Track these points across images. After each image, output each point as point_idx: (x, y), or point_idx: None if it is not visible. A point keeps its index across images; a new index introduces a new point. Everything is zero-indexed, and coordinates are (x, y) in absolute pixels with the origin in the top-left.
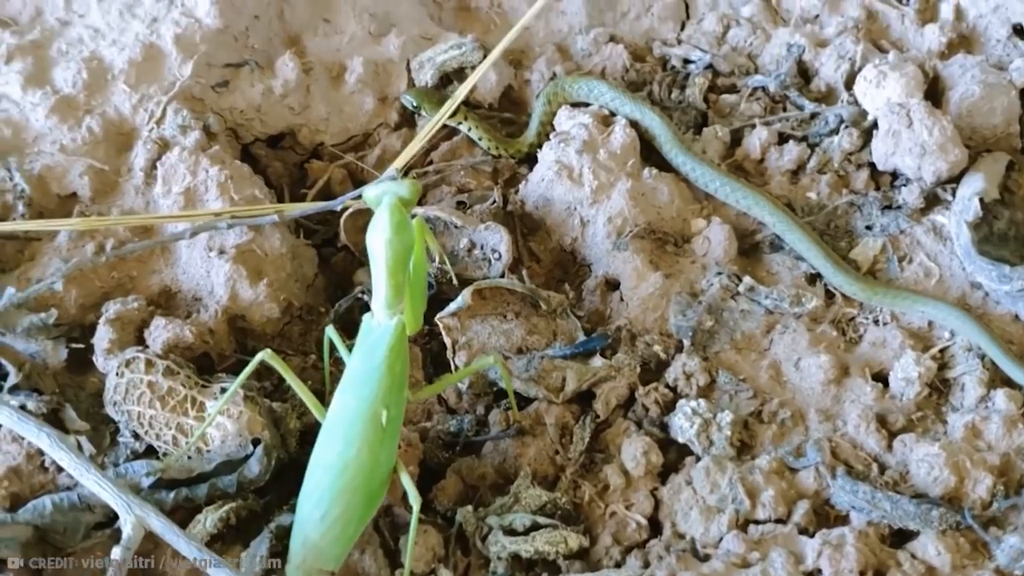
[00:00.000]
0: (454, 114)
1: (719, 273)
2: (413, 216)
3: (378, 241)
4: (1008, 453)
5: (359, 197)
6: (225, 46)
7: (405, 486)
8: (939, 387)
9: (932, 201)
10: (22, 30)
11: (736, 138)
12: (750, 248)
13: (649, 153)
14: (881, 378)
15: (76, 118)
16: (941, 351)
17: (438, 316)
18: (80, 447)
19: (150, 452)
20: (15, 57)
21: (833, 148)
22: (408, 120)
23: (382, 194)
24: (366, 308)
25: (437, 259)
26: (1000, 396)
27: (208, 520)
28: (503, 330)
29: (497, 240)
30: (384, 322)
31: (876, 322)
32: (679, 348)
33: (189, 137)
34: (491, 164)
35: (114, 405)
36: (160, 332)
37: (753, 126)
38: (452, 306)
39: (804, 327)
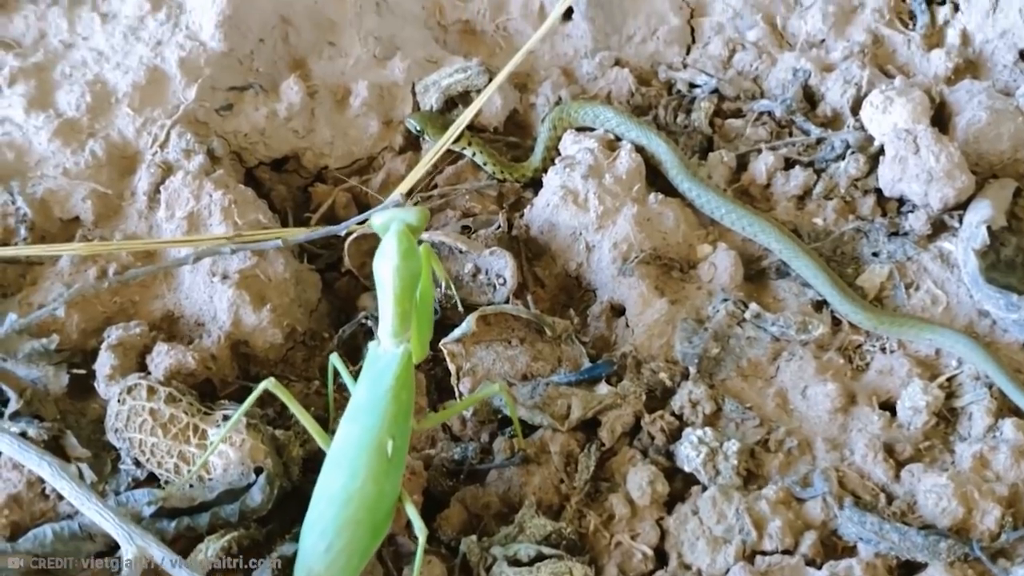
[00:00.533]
0: (458, 139)
1: (725, 299)
2: (420, 243)
3: (385, 268)
4: (1016, 484)
5: (364, 222)
6: (229, 69)
7: (411, 517)
8: (947, 416)
9: (939, 228)
10: (25, 52)
11: (742, 163)
12: (756, 274)
13: (655, 178)
14: (888, 407)
15: (79, 141)
16: (949, 380)
17: (442, 342)
18: (81, 475)
19: (151, 480)
20: (18, 80)
21: (839, 174)
22: (413, 144)
23: (390, 221)
24: (370, 333)
25: (444, 286)
26: (1008, 426)
27: (210, 549)
28: (508, 356)
29: (502, 265)
30: (390, 350)
31: (883, 350)
32: (685, 375)
33: (193, 161)
34: (496, 188)
35: (116, 432)
36: (162, 358)
37: (759, 151)
38: (457, 332)
39: (811, 354)
